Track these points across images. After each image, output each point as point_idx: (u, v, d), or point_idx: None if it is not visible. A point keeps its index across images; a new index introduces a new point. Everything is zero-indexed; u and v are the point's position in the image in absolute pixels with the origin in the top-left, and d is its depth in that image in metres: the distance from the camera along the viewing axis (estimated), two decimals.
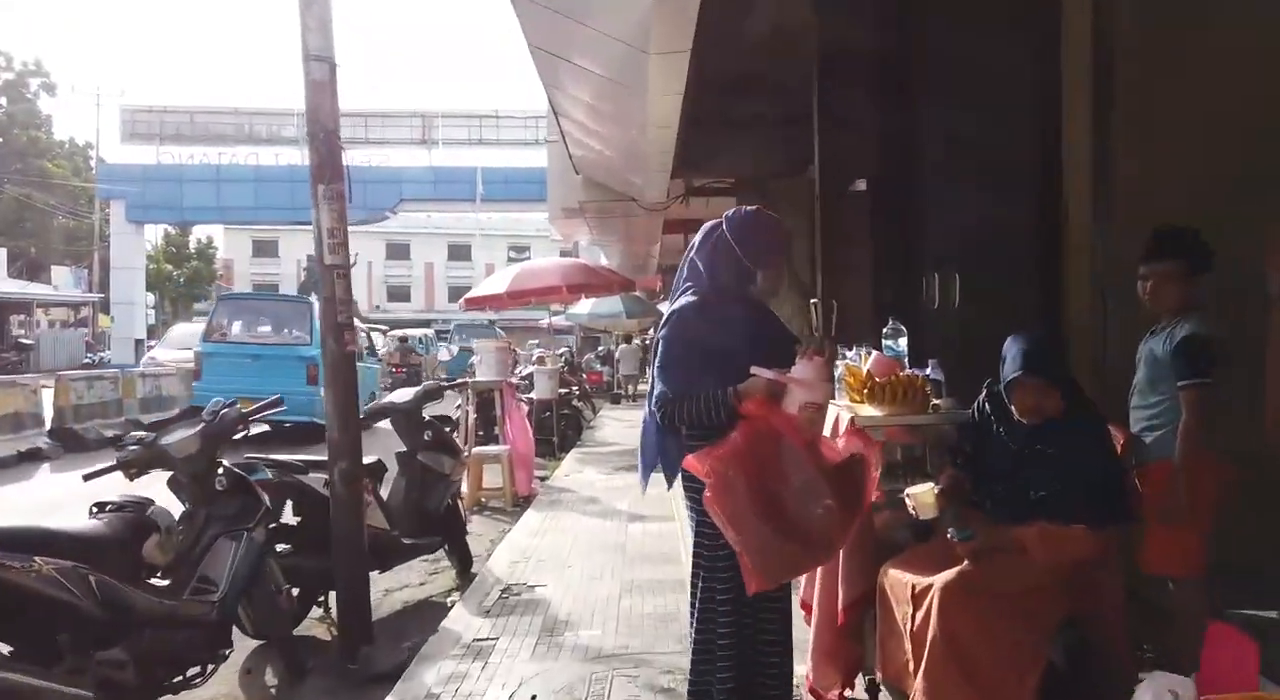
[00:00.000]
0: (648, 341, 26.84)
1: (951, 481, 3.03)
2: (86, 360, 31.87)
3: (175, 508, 3.85)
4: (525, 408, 9.78)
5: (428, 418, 5.84)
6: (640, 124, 6.35)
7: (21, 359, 30.17)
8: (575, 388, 16.08)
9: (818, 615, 3.26)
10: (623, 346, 23.93)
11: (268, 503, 3.99)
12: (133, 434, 3.82)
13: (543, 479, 9.35)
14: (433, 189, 37.61)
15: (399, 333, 27.64)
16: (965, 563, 2.78)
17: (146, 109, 39.08)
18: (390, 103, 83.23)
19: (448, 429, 6.13)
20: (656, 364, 2.78)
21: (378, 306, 55.65)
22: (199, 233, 50.71)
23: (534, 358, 14.81)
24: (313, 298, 21.43)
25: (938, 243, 4.30)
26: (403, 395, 5.92)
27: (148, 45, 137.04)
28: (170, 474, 3.85)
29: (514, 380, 9.84)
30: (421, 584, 5.70)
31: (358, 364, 15.00)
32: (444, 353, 26.44)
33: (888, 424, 3.16)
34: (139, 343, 33.81)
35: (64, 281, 38.98)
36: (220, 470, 3.88)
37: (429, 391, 6.01)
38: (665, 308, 14.56)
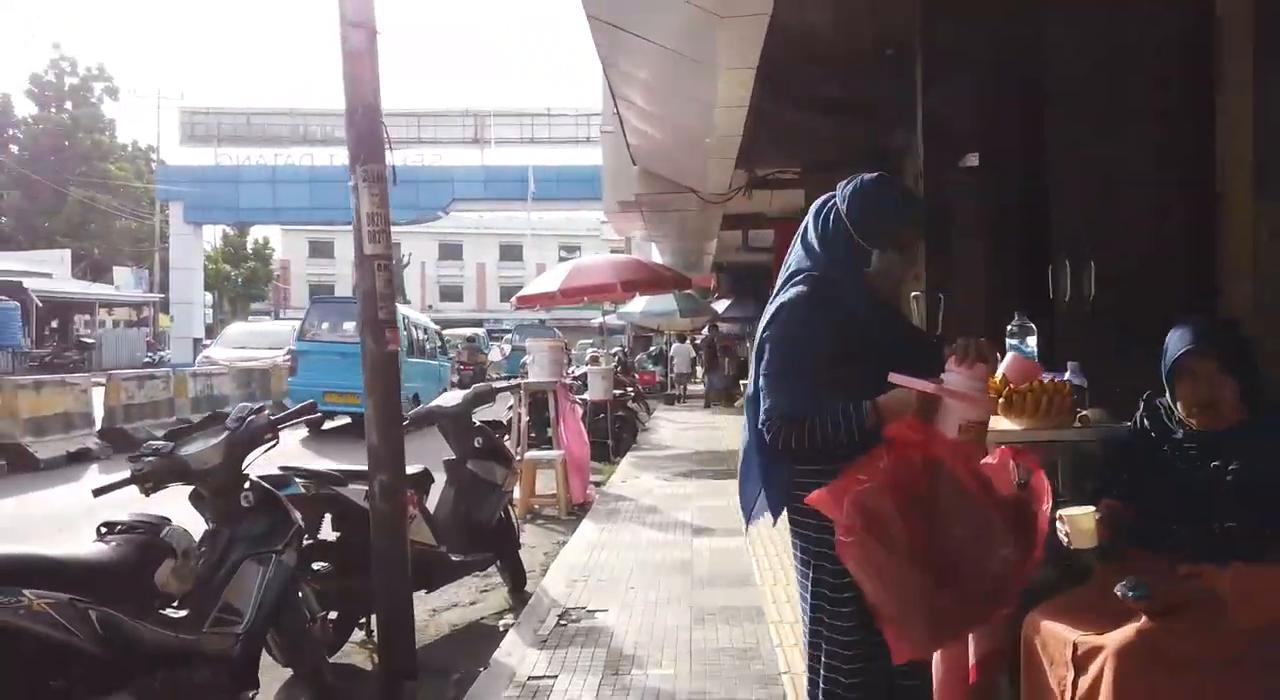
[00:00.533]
0: (698, 341, 26.34)
1: (1111, 512, 2.47)
2: (147, 359, 32.32)
3: (197, 526, 3.44)
4: (580, 410, 9.31)
5: (478, 423, 5.39)
6: (706, 103, 5.83)
7: (83, 357, 30.66)
8: (630, 388, 15.63)
9: (942, 670, 2.70)
10: (675, 345, 23.43)
11: (299, 521, 3.55)
12: (149, 443, 3.41)
13: (598, 485, 8.89)
14: (484, 188, 37.54)
15: (467, 331, 27.52)
16: (1143, 618, 2.21)
17: (204, 111, 39.62)
18: (442, 102, 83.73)
19: (499, 435, 5.68)
20: (763, 372, 2.23)
21: (430, 306, 55.93)
22: (256, 234, 51.47)
23: (587, 357, 14.37)
24: (407, 302, 21.86)
25: (1067, 224, 3.70)
26: (451, 399, 5.48)
27: (207, 47, 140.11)
28: (192, 488, 3.45)
29: (567, 381, 9.43)
30: (472, 603, 5.25)
31: (430, 362, 15.74)
32: (495, 353, 26.06)
33: (1029, 441, 2.60)
34: (197, 342, 34.20)
35: (125, 282, 39.72)
36: (247, 484, 3.46)
37: (479, 394, 5.56)
38: (721, 306, 14.13)
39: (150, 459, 3.33)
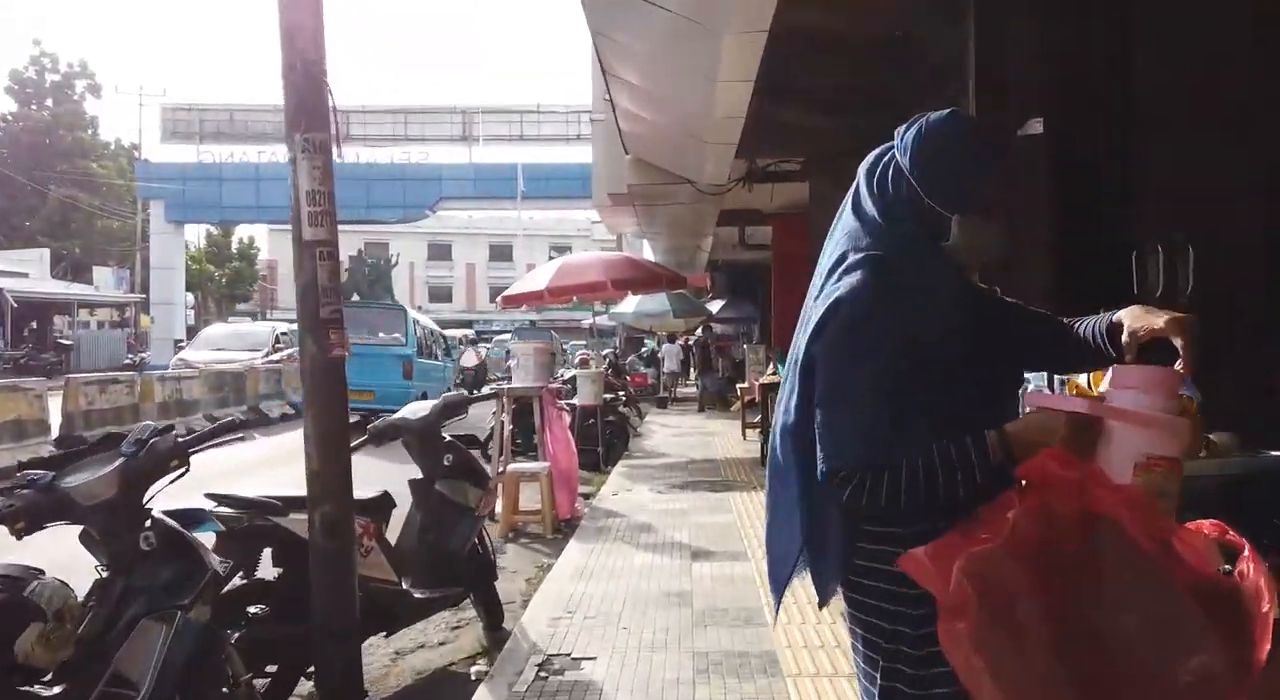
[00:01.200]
0: (691, 343, 25.69)
1: None
2: (128, 360, 31.50)
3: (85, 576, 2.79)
4: (567, 417, 8.66)
5: (448, 438, 4.73)
6: (708, 77, 5.19)
7: (60, 359, 29.86)
8: (621, 392, 14.99)
9: None
10: (666, 345, 22.80)
11: (215, 567, 2.90)
12: (26, 473, 2.74)
13: (587, 497, 8.23)
14: (473, 186, 36.88)
15: (469, 331, 26.95)
16: None
17: (186, 107, 38.80)
18: (430, 98, 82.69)
19: (475, 451, 5.02)
20: (819, 400, 1.56)
21: (419, 307, 55.20)
22: (241, 233, 50.60)
23: (576, 359, 13.74)
24: (406, 304, 22.01)
25: (1158, 202, 3.06)
26: (417, 410, 4.81)
27: (190, 43, 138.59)
28: (81, 528, 2.79)
29: (555, 385, 8.81)
30: (441, 644, 4.60)
31: (436, 363, 16.26)
32: (470, 356, 24.90)
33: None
34: (177, 343, 33.40)
35: (106, 282, 38.84)
36: (148, 523, 2.80)
37: (449, 405, 4.89)
38: (715, 307, 13.30)
39: (24, 492, 2.68)
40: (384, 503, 4.14)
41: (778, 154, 9.48)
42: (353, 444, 3.76)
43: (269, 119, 38.28)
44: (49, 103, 49.55)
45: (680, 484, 8.81)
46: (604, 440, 10.89)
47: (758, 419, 13.85)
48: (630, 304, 20.62)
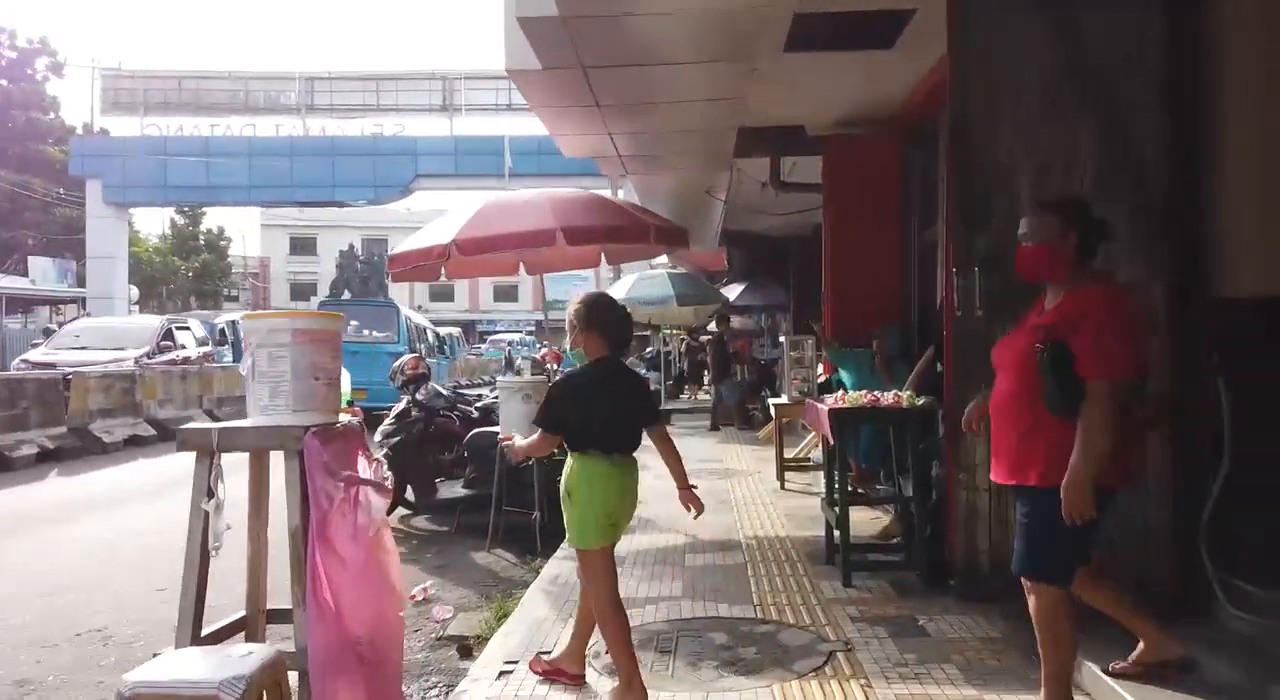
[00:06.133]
0: (701, 340, 20.86)
1: None
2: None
3: None
4: (374, 506, 4.03)
5: None
6: None
7: None
8: None
9: None
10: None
11: None
12: None
13: (462, 649, 3.59)
14: (454, 162, 32.29)
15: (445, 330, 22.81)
16: None
17: (129, 74, 34.37)
18: (407, 63, 77.73)
19: None
20: None
21: (420, 307, 50.96)
22: (210, 223, 46.27)
23: (515, 361, 9.09)
24: (400, 302, 19.71)
25: None
26: None
27: (139, 11, 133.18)
28: None
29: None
30: None
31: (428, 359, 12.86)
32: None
33: None
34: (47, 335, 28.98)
35: (45, 274, 34.40)
36: None
37: None
38: (732, 293, 6.90)
39: None
40: None
41: None
42: None
43: (222, 87, 33.91)
44: (2, 82, 45.39)
45: (669, 631, 4.07)
46: (541, 499, 6.19)
47: (806, 452, 9.09)
48: (620, 289, 15.89)
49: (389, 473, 3.48)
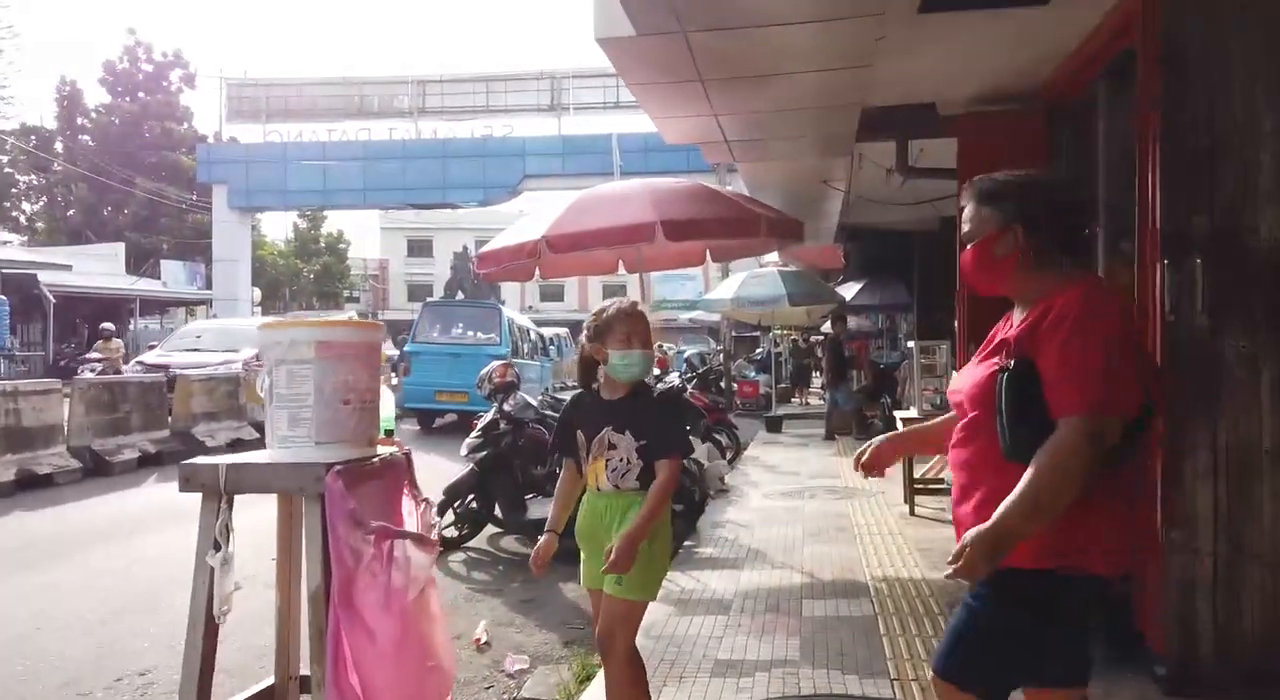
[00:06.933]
0: (814, 340, 19.79)
1: None
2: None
3: None
4: (420, 565, 3.48)
5: None
6: None
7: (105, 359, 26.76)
8: (704, 419, 9.69)
9: None
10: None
11: None
12: None
13: None
14: (561, 163, 32.05)
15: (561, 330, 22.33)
16: None
17: (252, 83, 35.52)
18: (513, 64, 78.32)
19: None
20: None
21: (530, 307, 51.38)
22: (329, 227, 47.65)
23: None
24: (503, 303, 20.07)
25: None
26: None
27: (259, 21, 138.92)
28: None
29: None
30: None
31: (529, 362, 15.59)
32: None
33: None
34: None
35: (176, 277, 35.98)
36: None
37: None
38: (849, 292, 6.06)
39: None
40: None
41: None
42: None
43: (338, 93, 34.68)
44: (141, 94, 47.90)
45: None
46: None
47: (937, 471, 8.09)
48: (728, 288, 15.13)
49: (436, 518, 2.85)
